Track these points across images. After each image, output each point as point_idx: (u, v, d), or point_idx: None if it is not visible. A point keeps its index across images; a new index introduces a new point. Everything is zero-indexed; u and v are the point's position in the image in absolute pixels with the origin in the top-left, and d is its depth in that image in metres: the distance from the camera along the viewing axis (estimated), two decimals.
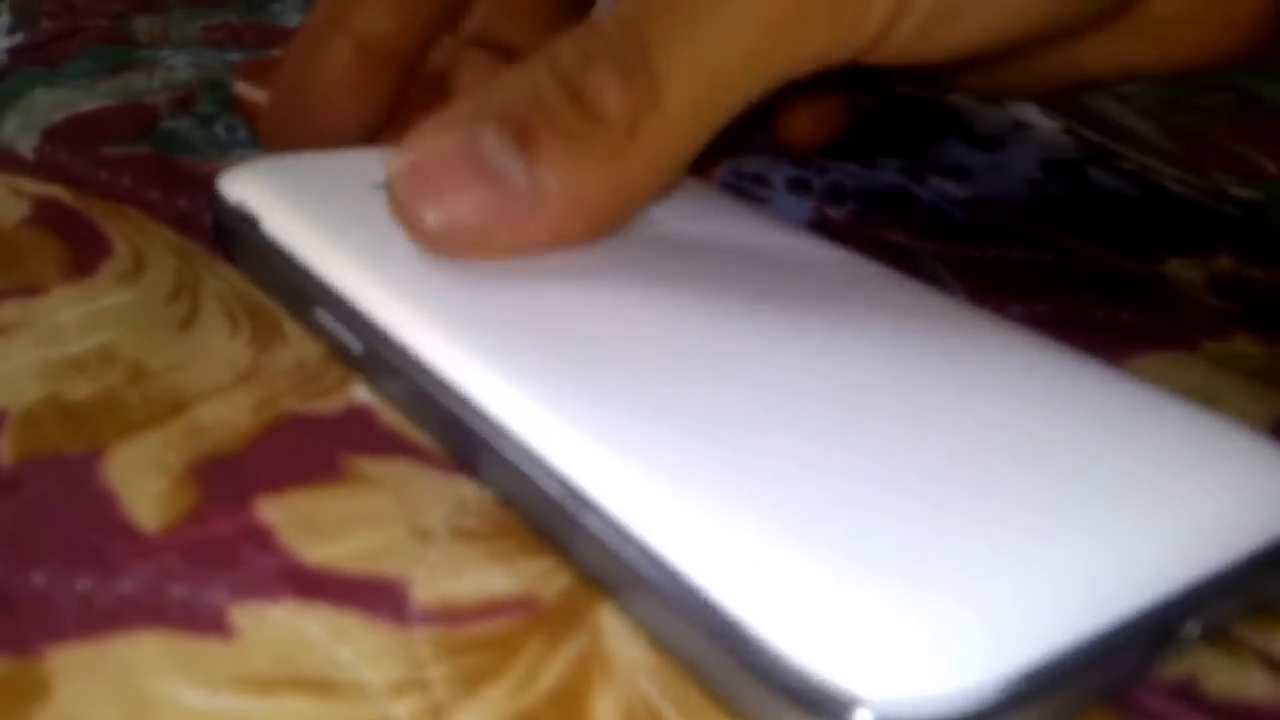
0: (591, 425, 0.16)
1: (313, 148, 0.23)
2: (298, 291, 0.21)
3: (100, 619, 0.16)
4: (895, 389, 0.17)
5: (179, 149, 0.30)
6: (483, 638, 0.16)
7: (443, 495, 0.18)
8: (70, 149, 0.29)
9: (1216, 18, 0.23)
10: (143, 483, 0.18)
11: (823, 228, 0.28)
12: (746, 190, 0.30)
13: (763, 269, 0.21)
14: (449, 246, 0.19)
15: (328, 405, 0.20)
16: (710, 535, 0.14)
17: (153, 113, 0.31)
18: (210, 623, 0.16)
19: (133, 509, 0.18)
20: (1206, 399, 0.22)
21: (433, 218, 0.19)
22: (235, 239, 0.22)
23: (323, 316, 0.20)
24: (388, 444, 0.19)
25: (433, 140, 0.19)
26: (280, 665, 0.15)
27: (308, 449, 0.19)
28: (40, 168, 0.28)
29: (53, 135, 0.30)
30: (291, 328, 0.22)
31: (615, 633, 0.16)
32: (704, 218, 0.23)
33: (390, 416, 0.20)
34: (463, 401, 0.17)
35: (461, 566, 0.17)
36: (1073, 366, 0.18)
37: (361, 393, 0.20)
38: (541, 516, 0.16)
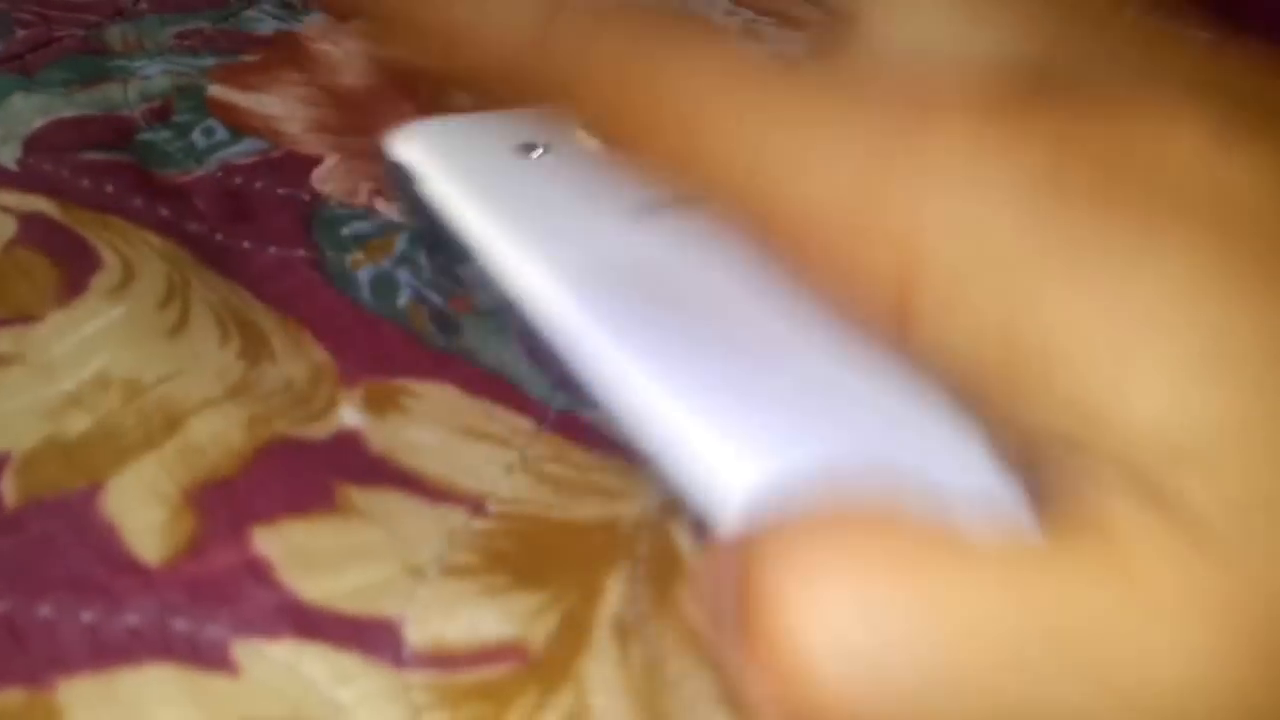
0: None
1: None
2: (446, 245, 0.21)
3: (108, 651, 0.16)
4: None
5: (157, 161, 0.29)
6: (476, 686, 0.16)
7: (433, 529, 0.18)
8: (53, 158, 0.28)
9: None
10: (142, 514, 0.18)
11: None
12: None
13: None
14: None
15: (318, 430, 0.20)
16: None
17: (130, 125, 0.31)
18: (214, 659, 0.16)
19: (133, 541, 0.18)
20: None
21: None
22: (398, 192, 0.23)
23: (466, 270, 0.21)
24: (378, 473, 0.19)
25: None
26: (284, 705, 0.15)
27: (301, 477, 0.19)
28: (23, 178, 0.27)
29: (34, 144, 0.29)
30: (280, 343, 0.22)
31: (598, 688, 0.16)
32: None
33: (379, 443, 0.20)
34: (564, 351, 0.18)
35: (453, 606, 0.17)
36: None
37: (350, 416, 0.20)
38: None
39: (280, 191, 0.28)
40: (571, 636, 0.17)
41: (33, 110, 0.30)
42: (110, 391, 0.20)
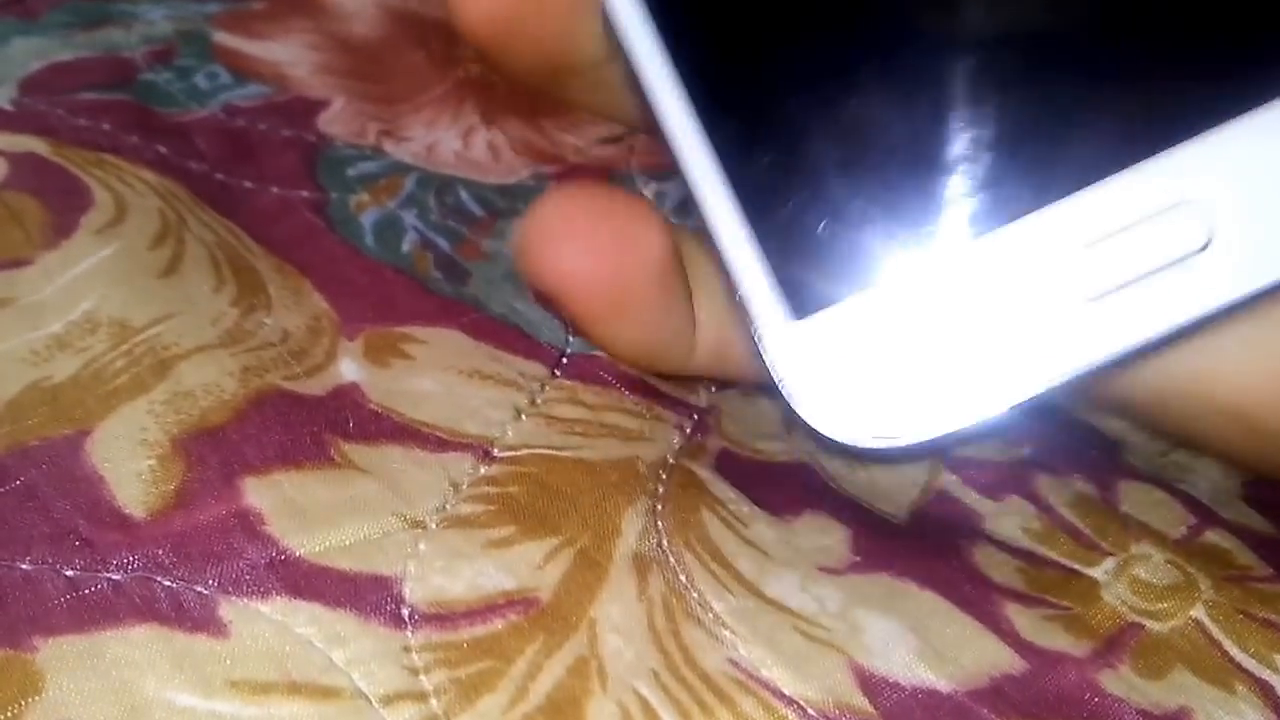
0: None
1: None
2: None
3: (91, 611, 0.14)
4: None
5: (158, 101, 0.27)
6: (479, 643, 0.14)
7: (436, 480, 0.17)
8: (48, 98, 0.26)
9: None
10: (129, 462, 0.16)
11: None
12: None
13: None
14: None
15: (315, 385, 0.18)
16: None
17: (131, 66, 0.29)
18: (201, 619, 0.14)
19: (119, 492, 0.16)
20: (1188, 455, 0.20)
21: None
22: None
23: None
24: (378, 426, 0.17)
25: None
26: (274, 668, 0.14)
27: (295, 428, 0.17)
28: (17, 119, 0.25)
29: (30, 85, 0.27)
30: (277, 292, 0.20)
31: (613, 628, 0.15)
32: None
33: (380, 395, 0.18)
34: None
35: (456, 560, 0.15)
36: None
37: (349, 369, 0.18)
38: None
39: (285, 133, 0.26)
40: (585, 579, 0.15)
41: (30, 53, 0.29)
42: (98, 333, 0.19)
